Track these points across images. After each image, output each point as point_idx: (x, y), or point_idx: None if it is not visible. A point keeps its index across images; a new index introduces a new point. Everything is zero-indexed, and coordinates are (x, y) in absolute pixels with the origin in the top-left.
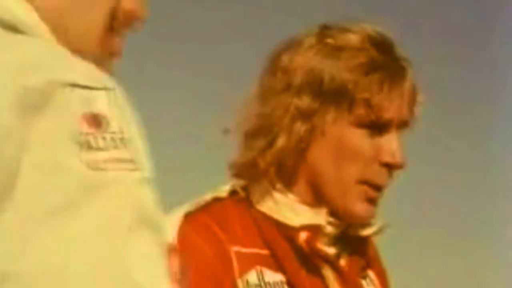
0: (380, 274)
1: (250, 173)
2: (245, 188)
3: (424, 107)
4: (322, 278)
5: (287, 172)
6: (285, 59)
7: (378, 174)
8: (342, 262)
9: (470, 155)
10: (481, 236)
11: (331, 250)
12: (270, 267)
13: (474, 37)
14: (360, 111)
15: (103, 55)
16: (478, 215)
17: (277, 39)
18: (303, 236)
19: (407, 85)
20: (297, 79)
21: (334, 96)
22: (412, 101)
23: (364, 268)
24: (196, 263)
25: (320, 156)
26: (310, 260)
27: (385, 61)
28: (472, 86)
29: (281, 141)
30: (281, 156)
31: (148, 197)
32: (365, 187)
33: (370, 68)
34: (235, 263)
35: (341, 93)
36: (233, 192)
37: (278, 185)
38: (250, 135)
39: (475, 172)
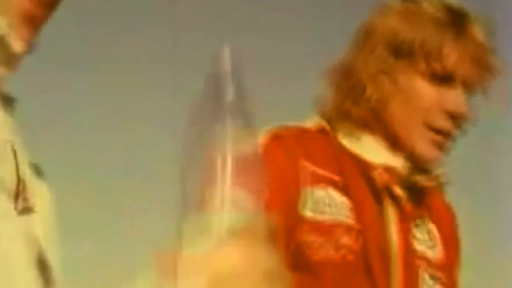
0: (446, 232)
1: (338, 114)
2: (329, 123)
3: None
4: (382, 212)
5: (371, 118)
6: (372, 21)
7: (440, 120)
8: (407, 204)
9: None
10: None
11: (399, 191)
12: (339, 190)
13: None
14: (426, 62)
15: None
16: None
17: None
18: (378, 172)
19: (472, 42)
20: (380, 39)
21: (406, 51)
22: (480, 61)
23: (420, 216)
24: (269, 169)
25: (393, 104)
26: (378, 195)
27: (451, 21)
28: None
29: (369, 91)
30: (368, 103)
31: None
32: (429, 132)
33: (438, 25)
34: (303, 175)
35: (412, 48)
36: (318, 126)
37: (363, 127)
38: (341, 83)
39: None
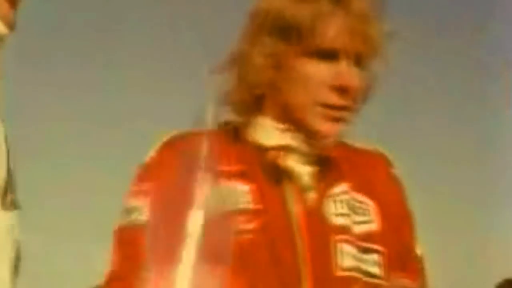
0: (387, 204)
1: (234, 103)
2: (231, 114)
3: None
4: (282, 191)
5: (265, 102)
6: (259, 4)
7: (331, 96)
8: (309, 180)
9: None
10: None
11: (304, 169)
12: (241, 180)
13: None
14: (309, 41)
15: None
16: None
17: None
18: (271, 153)
19: (351, 15)
20: (265, 21)
21: (290, 31)
22: (361, 33)
23: (331, 183)
24: (164, 180)
25: (286, 87)
26: (276, 175)
27: None
28: None
29: (258, 77)
30: (254, 89)
31: None
32: (323, 109)
33: (316, 1)
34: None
35: (294, 28)
36: (220, 121)
37: (258, 113)
38: (233, 72)
39: None
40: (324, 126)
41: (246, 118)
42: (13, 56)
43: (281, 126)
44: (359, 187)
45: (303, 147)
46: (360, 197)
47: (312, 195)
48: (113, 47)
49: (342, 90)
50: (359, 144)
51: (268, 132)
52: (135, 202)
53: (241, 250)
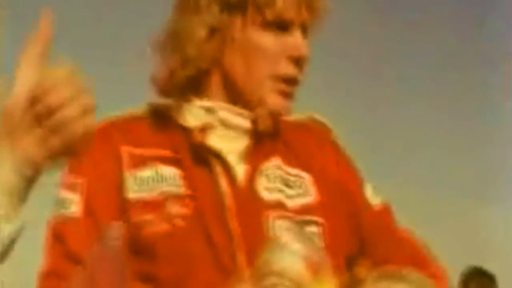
0: (325, 174)
1: (167, 87)
2: (166, 98)
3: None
4: (212, 171)
5: (202, 81)
6: None
7: (287, 67)
8: (237, 157)
9: None
10: None
11: (231, 145)
12: (169, 164)
13: None
14: (258, 12)
15: None
16: None
17: None
18: (194, 134)
19: None
20: None
21: (237, 4)
22: (309, 4)
23: (264, 158)
24: (89, 164)
25: (233, 61)
26: (202, 157)
27: None
28: None
29: (192, 54)
30: (194, 68)
31: None
32: (277, 83)
33: None
34: (125, 161)
35: (237, 1)
36: (152, 106)
37: (190, 94)
38: (165, 51)
39: None
40: (278, 101)
41: (175, 100)
42: None
43: (208, 104)
44: (292, 161)
45: (235, 121)
46: (294, 170)
47: (241, 173)
48: None
49: (296, 61)
50: (293, 116)
51: (193, 113)
52: (67, 194)
53: (174, 238)
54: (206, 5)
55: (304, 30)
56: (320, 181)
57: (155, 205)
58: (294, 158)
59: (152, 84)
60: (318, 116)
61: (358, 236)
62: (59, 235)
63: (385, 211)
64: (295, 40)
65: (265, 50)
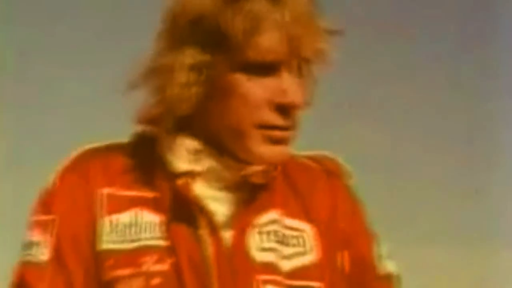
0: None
1: (152, 123)
2: (151, 129)
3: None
4: (195, 224)
5: (187, 121)
6: (173, 6)
7: (272, 116)
8: (226, 214)
9: None
10: None
11: (221, 199)
12: (151, 209)
13: None
14: (243, 55)
15: None
16: None
17: None
18: (180, 181)
19: (283, 19)
20: (184, 24)
21: (218, 44)
22: (302, 38)
23: (259, 212)
24: (60, 207)
25: (215, 107)
26: (186, 207)
27: None
28: None
29: (172, 97)
30: (174, 109)
31: None
32: (263, 130)
33: (239, 8)
34: (103, 203)
35: (219, 35)
36: (138, 137)
37: (174, 132)
38: (147, 86)
39: None
40: (266, 149)
41: (162, 135)
42: None
43: (200, 147)
44: (294, 210)
45: (223, 173)
46: (294, 222)
47: (229, 229)
48: None
49: (285, 108)
50: (302, 155)
51: (181, 155)
52: (34, 236)
53: None
54: (187, 44)
55: (299, 68)
56: (325, 234)
57: (130, 260)
58: (296, 206)
59: (139, 113)
60: (331, 155)
61: None
62: (23, 283)
63: (389, 282)
64: (283, 84)
65: (246, 96)
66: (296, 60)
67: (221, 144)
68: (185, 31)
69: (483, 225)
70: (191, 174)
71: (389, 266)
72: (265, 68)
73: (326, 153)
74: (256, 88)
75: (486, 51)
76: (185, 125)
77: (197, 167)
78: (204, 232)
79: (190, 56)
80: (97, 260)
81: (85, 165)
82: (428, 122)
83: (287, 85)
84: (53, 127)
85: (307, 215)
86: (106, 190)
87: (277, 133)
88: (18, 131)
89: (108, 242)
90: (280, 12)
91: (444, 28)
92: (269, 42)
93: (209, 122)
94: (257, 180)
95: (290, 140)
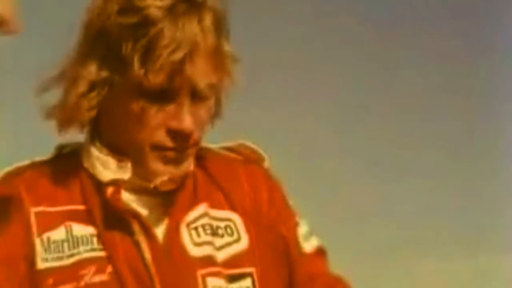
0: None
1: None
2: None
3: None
4: (128, 232)
5: (99, 131)
6: (85, 15)
7: (165, 140)
8: (154, 214)
9: None
10: None
11: (158, 199)
12: (83, 221)
13: None
14: (138, 80)
15: None
16: None
17: None
18: (109, 190)
19: (179, 58)
20: (88, 35)
21: (115, 66)
22: (204, 64)
23: (187, 209)
24: None
25: (116, 120)
26: (119, 215)
27: (154, 20)
28: None
29: (71, 105)
30: (72, 114)
31: None
32: (158, 151)
33: (142, 35)
34: (34, 223)
35: (118, 59)
36: (63, 152)
37: (95, 142)
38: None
39: None
40: (161, 168)
41: (85, 146)
42: None
43: (117, 157)
44: (221, 202)
45: (140, 182)
46: (223, 213)
47: (162, 230)
48: None
49: (177, 134)
50: (220, 147)
51: (102, 161)
52: None
53: None
54: (89, 58)
55: (199, 91)
56: (251, 223)
57: (70, 275)
58: (222, 198)
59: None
60: (249, 144)
61: (289, 283)
62: None
63: (318, 256)
64: (176, 111)
65: (142, 118)
66: (193, 86)
67: (127, 156)
68: (90, 43)
69: (484, 228)
70: (117, 182)
71: (313, 241)
72: (162, 94)
73: (242, 141)
74: (152, 112)
75: (486, 51)
76: (99, 135)
77: (123, 175)
78: (139, 237)
79: (89, 72)
80: (37, 280)
81: (16, 188)
82: (428, 122)
83: (182, 113)
84: (53, 127)
85: (231, 205)
86: (34, 209)
87: (170, 154)
88: (18, 131)
89: (44, 261)
90: (178, 51)
91: (444, 28)
92: (163, 76)
93: (114, 135)
94: (167, 187)
95: (184, 159)
